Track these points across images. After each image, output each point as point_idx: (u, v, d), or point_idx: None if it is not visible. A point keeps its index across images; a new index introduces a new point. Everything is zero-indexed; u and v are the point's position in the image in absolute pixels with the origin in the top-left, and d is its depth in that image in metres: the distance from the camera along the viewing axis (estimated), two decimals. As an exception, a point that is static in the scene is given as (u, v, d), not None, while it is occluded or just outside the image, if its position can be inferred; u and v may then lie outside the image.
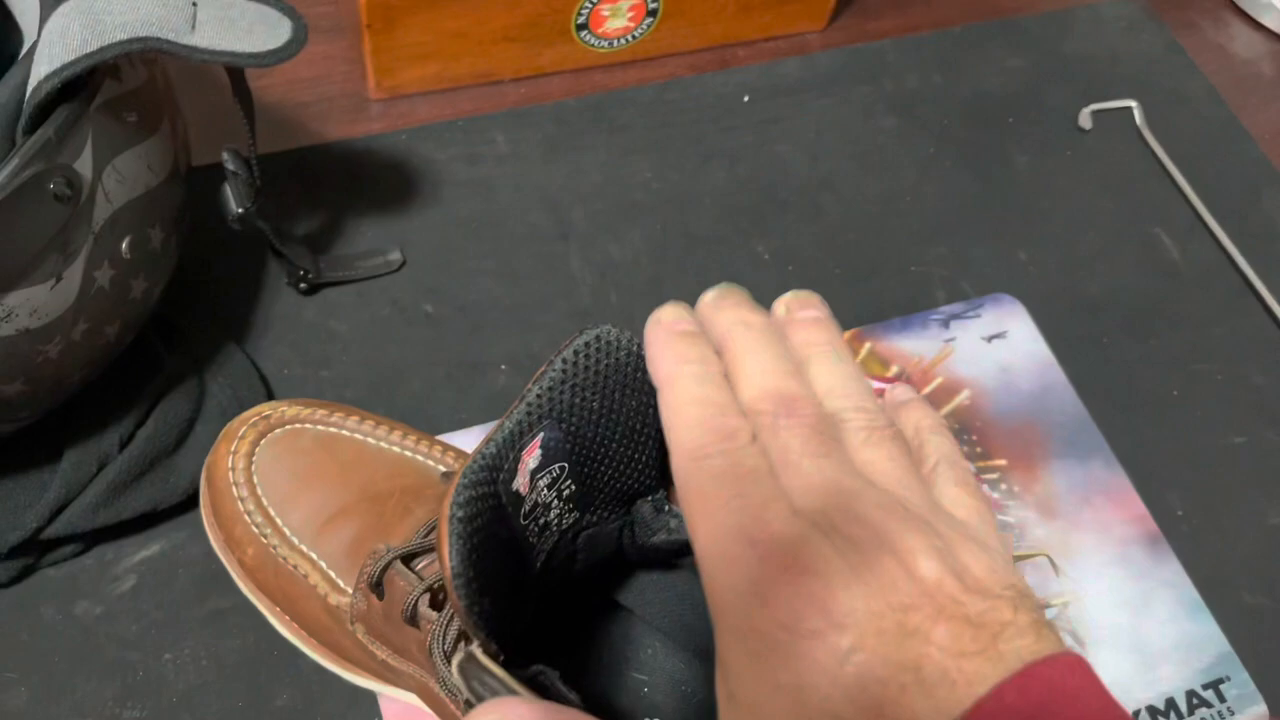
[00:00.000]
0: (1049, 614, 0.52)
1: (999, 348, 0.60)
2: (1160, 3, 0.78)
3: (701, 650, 0.42)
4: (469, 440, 0.53)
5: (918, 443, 0.31)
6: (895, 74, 0.71)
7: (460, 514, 0.27)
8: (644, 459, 0.33)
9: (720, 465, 0.27)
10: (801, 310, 0.32)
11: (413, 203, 0.62)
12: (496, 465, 0.29)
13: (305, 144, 0.63)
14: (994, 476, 0.55)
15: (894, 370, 0.58)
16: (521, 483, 0.30)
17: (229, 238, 0.53)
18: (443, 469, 0.45)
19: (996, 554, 0.27)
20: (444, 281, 0.59)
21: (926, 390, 0.58)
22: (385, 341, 0.57)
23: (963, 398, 0.58)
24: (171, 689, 0.46)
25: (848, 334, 0.59)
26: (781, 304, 0.32)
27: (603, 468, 0.33)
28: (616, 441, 0.32)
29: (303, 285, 0.56)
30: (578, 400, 0.30)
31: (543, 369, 0.30)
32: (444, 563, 0.26)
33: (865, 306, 0.61)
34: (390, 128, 0.65)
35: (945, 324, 0.61)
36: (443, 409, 0.55)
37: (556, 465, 0.31)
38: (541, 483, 0.31)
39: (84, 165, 0.39)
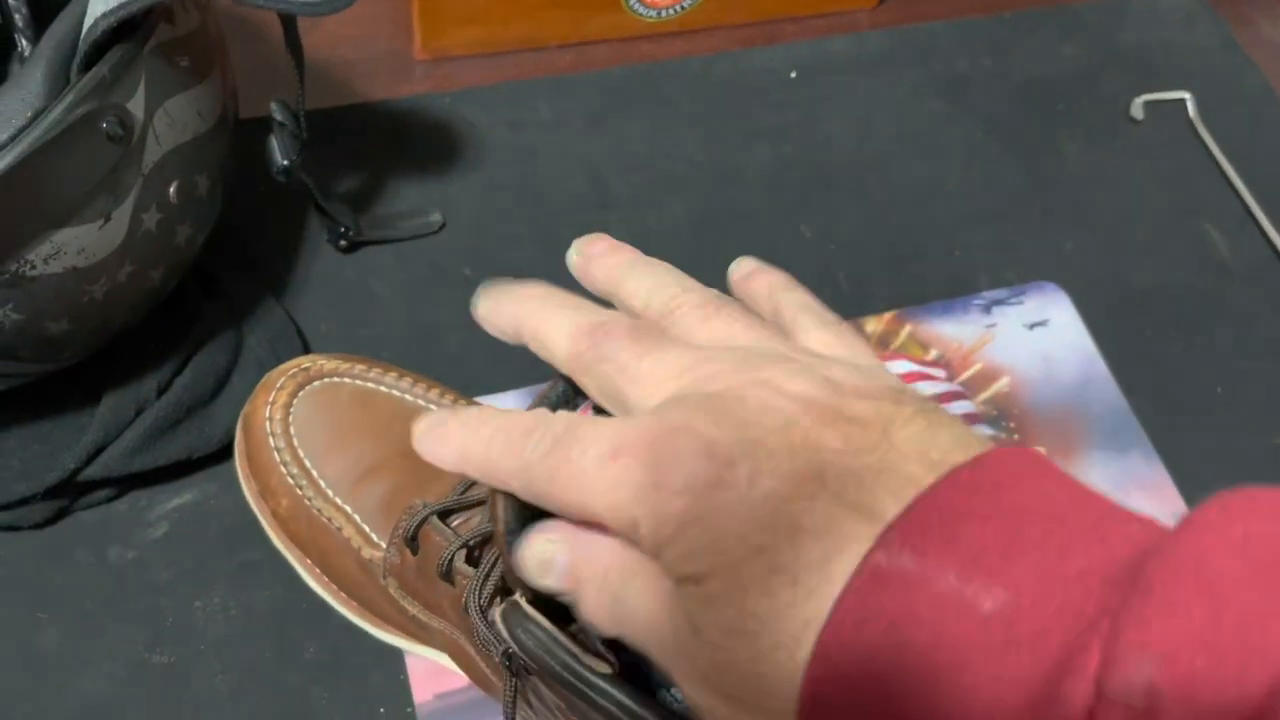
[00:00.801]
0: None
1: (1040, 336, 0.59)
2: (1218, -4, 0.77)
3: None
4: (501, 404, 0.53)
5: (772, 304, 0.30)
6: (945, 57, 0.70)
7: None
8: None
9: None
10: (590, 249, 0.32)
11: (454, 166, 0.61)
12: None
13: (349, 102, 0.63)
14: (1031, 465, 0.55)
15: (933, 354, 0.58)
16: None
17: (271, 192, 0.53)
18: (479, 429, 0.45)
19: (871, 370, 0.26)
20: (483, 245, 0.59)
21: (965, 375, 0.57)
22: (423, 302, 0.57)
23: (1002, 384, 0.57)
24: (200, 636, 0.46)
25: (887, 315, 0.59)
26: (572, 254, 0.32)
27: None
28: None
29: (342, 243, 0.56)
30: None
31: None
32: (497, 521, 0.26)
33: (907, 289, 0.60)
34: (434, 89, 0.64)
35: (987, 309, 0.60)
36: (477, 372, 0.55)
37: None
38: None
39: (136, 106, 0.39)
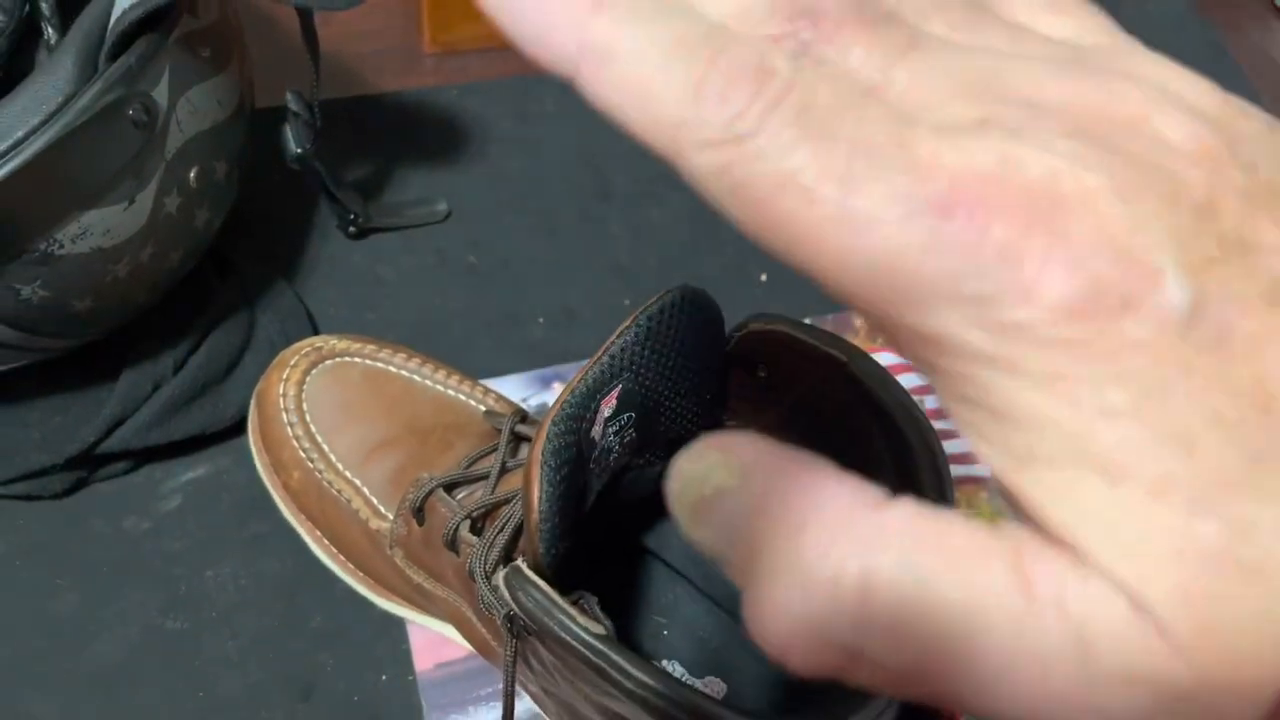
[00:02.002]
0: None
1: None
2: (1207, 3, 0.79)
3: (721, 599, 0.44)
4: (505, 387, 0.55)
5: None
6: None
7: (552, 461, 0.28)
8: (700, 412, 0.35)
9: (786, 127, 0.14)
10: None
11: (461, 156, 0.63)
12: (580, 415, 0.30)
13: (359, 93, 0.64)
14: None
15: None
16: (597, 430, 0.32)
17: (284, 179, 0.55)
18: (484, 408, 0.47)
19: (1158, 55, 0.17)
20: (487, 234, 0.61)
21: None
22: (428, 288, 0.58)
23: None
24: (212, 604, 0.48)
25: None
26: None
27: (663, 418, 0.34)
28: (680, 395, 0.34)
29: (352, 229, 0.58)
30: (655, 356, 0.32)
31: (627, 323, 0.32)
32: (531, 508, 0.28)
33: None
34: (442, 82, 0.66)
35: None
36: (481, 356, 0.57)
37: (626, 414, 0.33)
38: (611, 429, 0.33)
39: (161, 94, 0.41)
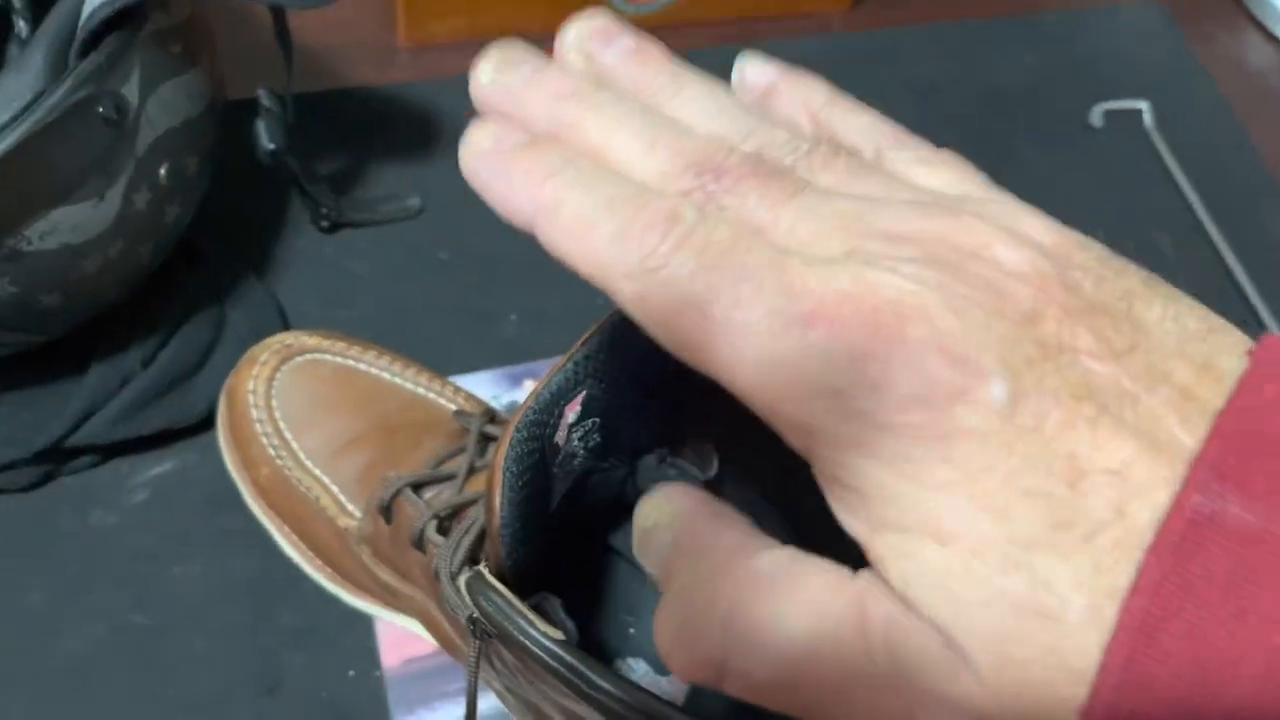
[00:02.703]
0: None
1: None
2: (1179, 9, 0.80)
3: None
4: (476, 384, 0.55)
5: (828, 133, 0.22)
6: (914, 61, 0.73)
7: (514, 468, 0.29)
8: (660, 416, 0.35)
9: (688, 261, 0.18)
10: (608, 47, 0.22)
11: (434, 152, 0.63)
12: (543, 420, 0.31)
13: (332, 87, 0.64)
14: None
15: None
16: (560, 435, 0.32)
17: (255, 174, 0.55)
18: (454, 408, 0.47)
19: (1016, 201, 0.20)
20: (460, 231, 0.61)
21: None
22: (401, 284, 0.59)
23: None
24: (179, 600, 0.48)
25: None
26: (572, 47, 0.23)
27: (626, 423, 0.35)
28: (644, 400, 0.34)
29: (324, 224, 0.58)
30: (619, 362, 0.32)
31: (592, 331, 0.32)
32: (493, 513, 0.28)
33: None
34: (416, 77, 0.66)
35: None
36: (452, 353, 0.57)
37: (590, 419, 0.33)
38: (575, 435, 0.33)
39: (131, 91, 0.41)
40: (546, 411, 0.30)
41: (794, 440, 0.19)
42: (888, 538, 0.18)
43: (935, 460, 0.17)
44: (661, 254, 0.19)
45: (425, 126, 0.64)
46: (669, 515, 0.22)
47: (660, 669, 0.46)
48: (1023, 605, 0.16)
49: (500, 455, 0.28)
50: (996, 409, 0.17)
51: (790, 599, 0.19)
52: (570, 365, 0.31)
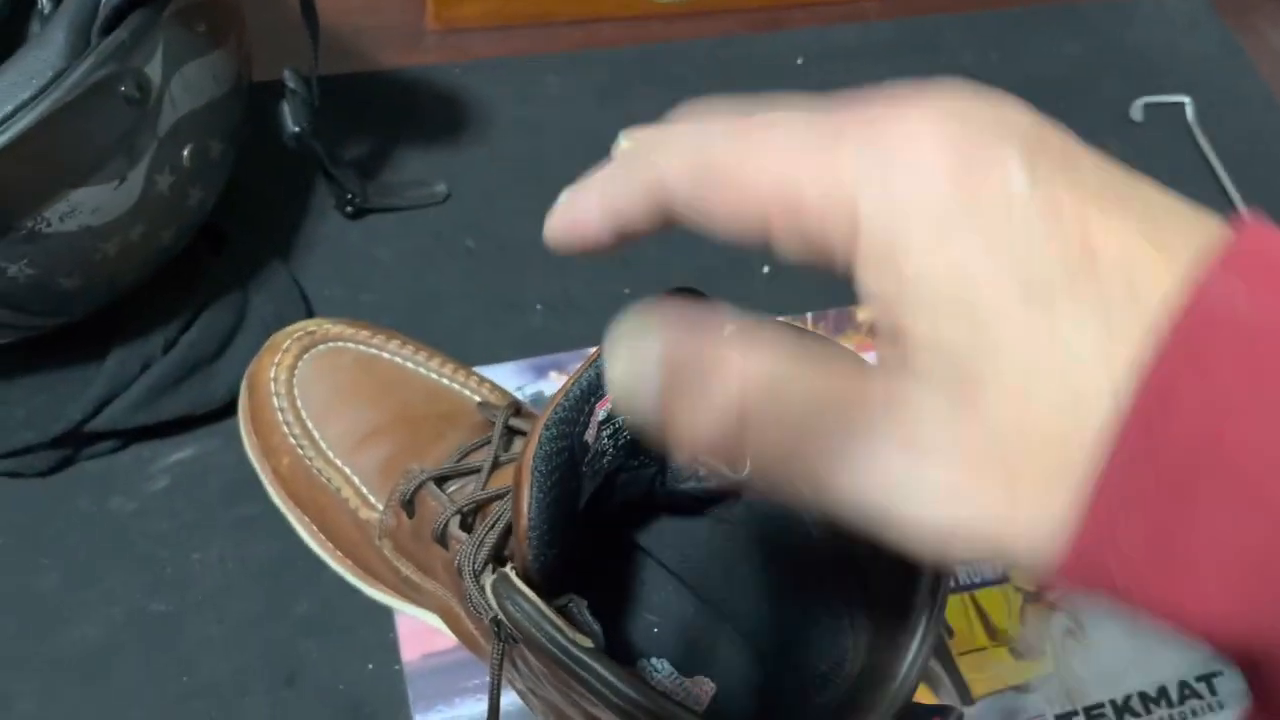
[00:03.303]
0: (1053, 596, 0.53)
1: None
2: (1224, 3, 0.77)
3: (712, 598, 0.43)
4: (500, 374, 0.54)
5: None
6: (951, 49, 0.71)
7: (542, 467, 0.28)
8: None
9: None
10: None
11: (461, 137, 0.62)
12: (573, 419, 0.30)
13: (360, 70, 0.63)
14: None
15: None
16: (590, 433, 0.31)
17: (280, 156, 0.54)
18: (478, 399, 0.46)
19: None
20: (486, 218, 0.60)
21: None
22: (425, 271, 0.58)
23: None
24: (197, 587, 0.48)
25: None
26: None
27: (660, 421, 0.34)
28: None
29: (349, 209, 0.57)
30: None
31: None
32: (520, 515, 0.27)
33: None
34: (444, 60, 0.65)
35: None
36: (477, 342, 0.56)
37: (620, 418, 0.32)
38: (605, 433, 0.32)
39: (154, 70, 0.40)
40: (576, 409, 0.29)
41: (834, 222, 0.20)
42: (917, 309, 0.19)
43: (969, 231, 0.18)
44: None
45: (452, 111, 0.63)
46: (655, 354, 0.20)
47: (684, 669, 0.45)
48: (1036, 342, 0.18)
49: (529, 455, 0.27)
50: (1018, 189, 0.18)
51: (799, 366, 0.20)
52: (601, 361, 0.30)
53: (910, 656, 0.30)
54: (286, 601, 0.48)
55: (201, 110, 0.43)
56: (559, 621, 0.28)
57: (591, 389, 0.30)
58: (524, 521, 0.27)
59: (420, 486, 0.40)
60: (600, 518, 0.39)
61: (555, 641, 0.27)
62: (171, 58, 0.41)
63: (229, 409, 0.50)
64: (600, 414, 0.31)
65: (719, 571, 0.42)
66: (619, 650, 0.45)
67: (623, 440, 0.33)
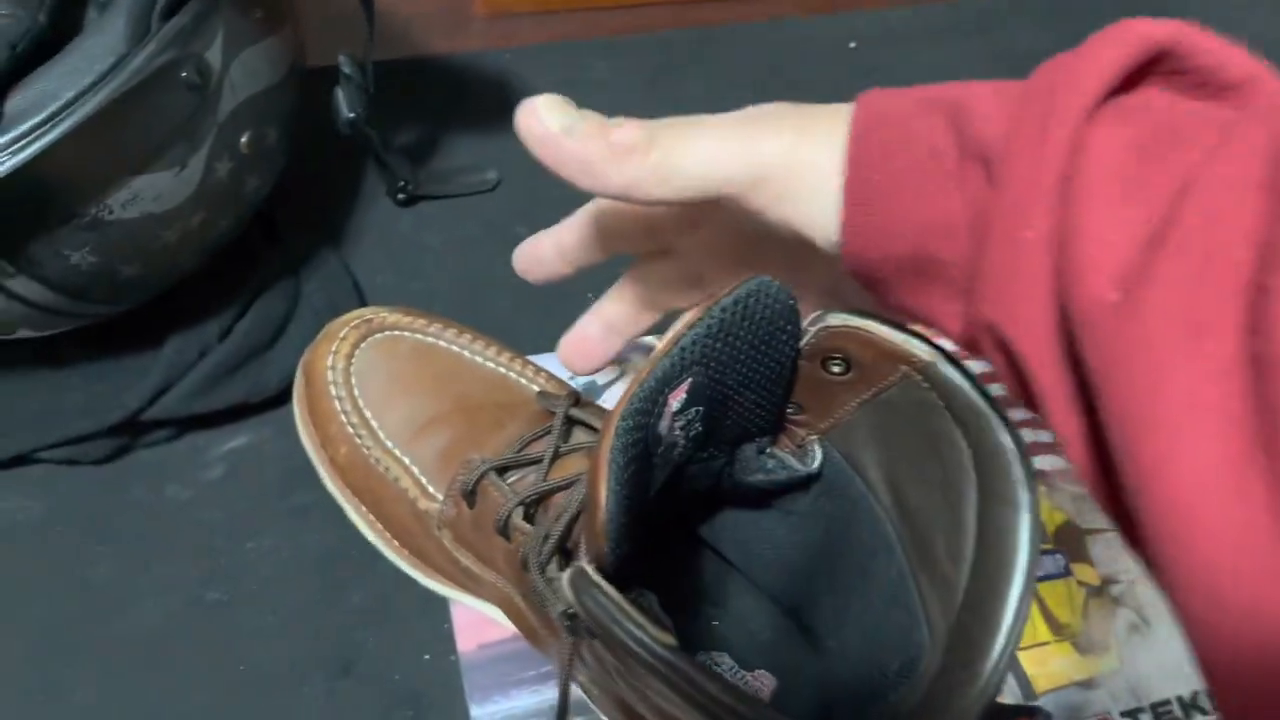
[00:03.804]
0: (1116, 591, 0.52)
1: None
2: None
3: (775, 592, 0.43)
4: (551, 364, 0.54)
5: None
6: (1007, 31, 0.70)
7: (619, 459, 0.27)
8: (768, 406, 0.34)
9: None
10: None
11: (510, 124, 0.61)
12: (647, 410, 0.29)
13: (408, 55, 0.63)
14: (1062, 462, 0.55)
15: (980, 333, 0.58)
16: (664, 424, 0.30)
17: (331, 144, 0.54)
18: (536, 389, 0.46)
19: None
20: (536, 206, 0.59)
21: (1012, 356, 0.57)
22: (476, 259, 0.57)
23: (1048, 367, 0.57)
24: (252, 576, 0.48)
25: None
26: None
27: (731, 412, 0.33)
28: (748, 389, 0.32)
29: (400, 196, 0.56)
30: (727, 348, 0.31)
31: (695, 313, 0.30)
32: (598, 507, 0.27)
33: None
34: (491, 45, 0.64)
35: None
36: (527, 331, 0.55)
37: (694, 408, 0.31)
38: (678, 424, 0.31)
39: (214, 56, 0.40)
40: (650, 400, 0.29)
41: None
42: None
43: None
44: None
45: (502, 96, 0.62)
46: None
47: (746, 664, 0.44)
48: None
49: (605, 446, 0.27)
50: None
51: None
52: (676, 350, 0.29)
53: (994, 656, 0.29)
54: (341, 591, 0.48)
55: (259, 96, 0.43)
56: (640, 618, 0.27)
57: (666, 380, 0.29)
58: (601, 514, 0.27)
59: (482, 477, 0.40)
60: (666, 509, 0.38)
61: (636, 638, 0.27)
62: (231, 43, 0.40)
63: (283, 397, 0.50)
64: (674, 405, 0.30)
65: (783, 566, 0.42)
66: (681, 643, 0.44)
67: (694, 432, 0.32)
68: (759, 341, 0.31)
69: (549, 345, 0.55)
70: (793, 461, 0.36)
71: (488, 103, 0.62)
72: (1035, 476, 0.30)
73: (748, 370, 0.32)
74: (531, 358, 0.53)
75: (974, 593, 0.31)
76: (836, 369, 0.33)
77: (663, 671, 0.26)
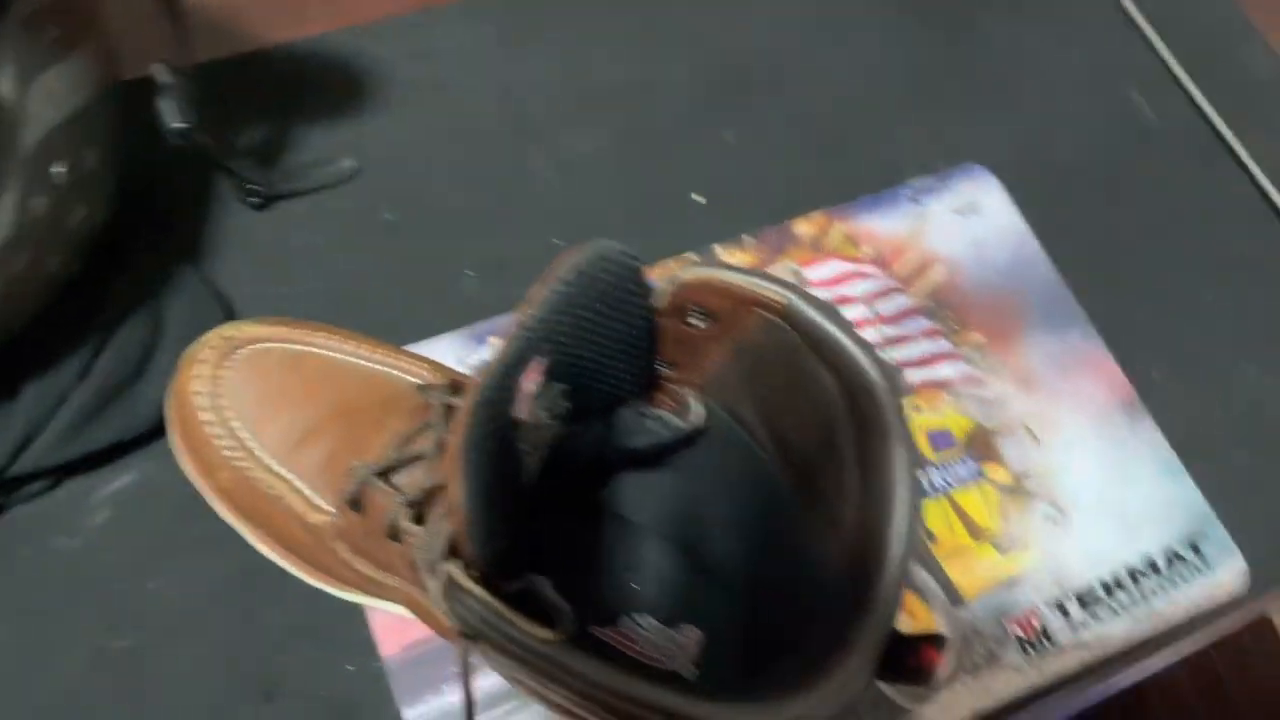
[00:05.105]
0: (1030, 485, 0.52)
1: (971, 221, 0.59)
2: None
3: (689, 544, 0.42)
4: (439, 349, 0.52)
5: None
6: None
7: (472, 455, 0.26)
8: (632, 369, 0.33)
9: None
10: None
11: (362, 106, 0.59)
12: (499, 398, 0.28)
13: (244, 50, 0.60)
14: (971, 352, 0.55)
15: (865, 250, 0.57)
16: (521, 408, 0.29)
17: (173, 157, 0.51)
18: (416, 381, 0.44)
19: None
20: (402, 187, 0.57)
21: (900, 269, 0.57)
22: (346, 253, 0.55)
23: (937, 274, 0.57)
24: (159, 616, 0.46)
25: (817, 216, 0.58)
26: None
27: (594, 382, 0.32)
28: (611, 356, 0.31)
29: (254, 200, 0.54)
30: (576, 321, 0.30)
31: (539, 290, 0.29)
32: (456, 510, 0.26)
33: (836, 186, 0.60)
34: (333, 27, 0.62)
35: (915, 199, 0.59)
36: (410, 319, 0.54)
37: (554, 386, 0.30)
38: (539, 404, 0.30)
39: (5, 86, 0.37)
40: (500, 388, 0.28)
41: None
42: None
43: None
44: None
45: (350, 79, 0.60)
46: None
47: (670, 621, 0.44)
48: None
49: (455, 444, 0.26)
50: None
51: None
52: (520, 334, 0.28)
53: (885, 586, 0.29)
54: (255, 616, 0.46)
55: (69, 121, 0.40)
56: (512, 616, 0.26)
57: (515, 364, 0.28)
58: (462, 514, 0.25)
59: (364, 483, 0.38)
60: (558, 485, 0.37)
61: (512, 639, 0.26)
62: (24, 70, 0.38)
63: (162, 428, 0.48)
64: (530, 388, 0.29)
65: (688, 519, 0.41)
66: (600, 612, 0.44)
67: (560, 409, 0.31)
68: (608, 308, 0.30)
69: (433, 330, 0.54)
70: (673, 419, 0.35)
71: (336, 89, 0.59)
72: (902, 402, 0.29)
73: (603, 338, 0.31)
74: (414, 346, 0.52)
75: (861, 526, 0.30)
76: (698, 322, 0.32)
77: (543, 668, 0.26)
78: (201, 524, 0.47)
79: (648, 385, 0.35)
